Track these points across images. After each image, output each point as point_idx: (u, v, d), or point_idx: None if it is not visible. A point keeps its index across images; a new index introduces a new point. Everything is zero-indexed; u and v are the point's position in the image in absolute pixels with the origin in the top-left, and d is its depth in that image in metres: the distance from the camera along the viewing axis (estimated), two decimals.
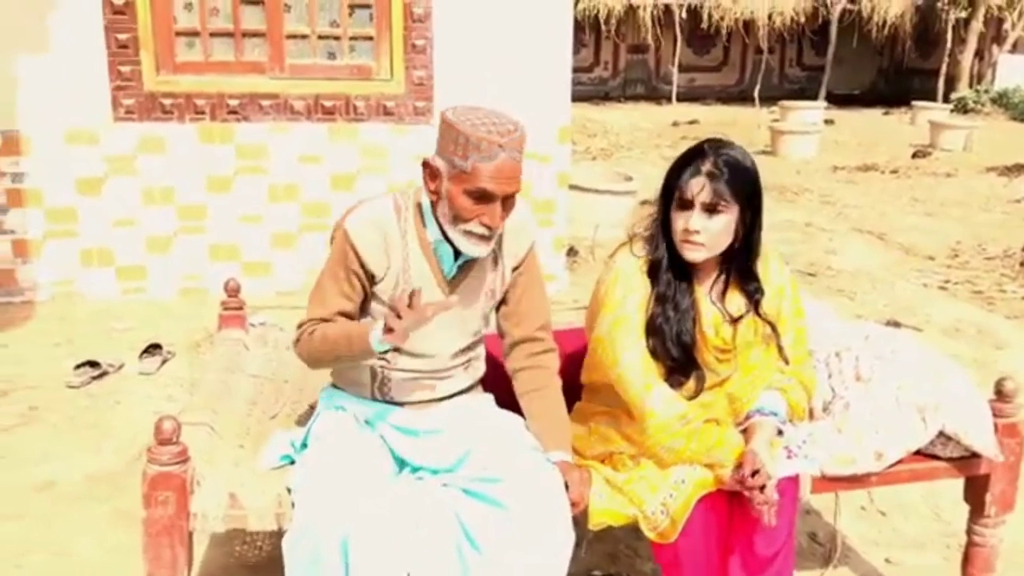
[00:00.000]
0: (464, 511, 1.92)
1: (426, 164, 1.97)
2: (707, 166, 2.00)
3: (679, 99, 18.80)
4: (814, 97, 17.15)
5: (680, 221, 2.04)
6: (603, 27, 18.96)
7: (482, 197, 1.90)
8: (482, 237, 1.95)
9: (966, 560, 2.43)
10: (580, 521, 2.05)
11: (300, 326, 2.06)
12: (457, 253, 2.05)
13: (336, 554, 1.77)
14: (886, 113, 17.32)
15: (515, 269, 2.14)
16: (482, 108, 1.95)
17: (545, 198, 5.45)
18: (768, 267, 2.17)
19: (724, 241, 2.06)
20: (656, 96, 19.96)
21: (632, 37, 19.75)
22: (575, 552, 1.96)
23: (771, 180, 9.65)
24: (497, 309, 2.19)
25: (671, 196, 2.06)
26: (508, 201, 1.95)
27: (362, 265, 2.00)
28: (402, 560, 1.84)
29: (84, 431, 3.52)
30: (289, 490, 1.98)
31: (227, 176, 5.08)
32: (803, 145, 11.63)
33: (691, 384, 2.12)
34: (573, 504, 2.00)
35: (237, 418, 2.35)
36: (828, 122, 14.68)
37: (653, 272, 2.11)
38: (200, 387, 2.50)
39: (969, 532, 2.40)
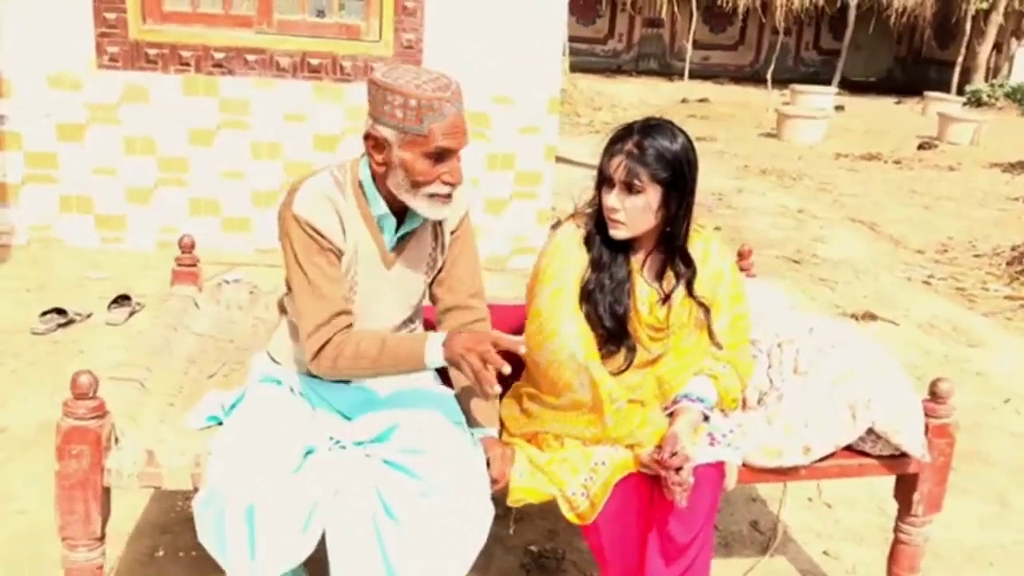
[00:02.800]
0: (383, 482, 1.91)
1: (368, 136, 1.89)
2: (629, 145, 2.02)
3: (692, 76, 18.52)
4: (828, 82, 16.91)
5: (604, 198, 2.06)
6: None
7: (441, 156, 1.87)
8: (446, 196, 1.92)
9: (892, 558, 2.43)
10: (500, 499, 2.05)
11: (313, 335, 1.90)
12: (398, 226, 2.02)
13: (241, 519, 1.77)
14: (898, 102, 17.10)
15: (452, 233, 2.12)
16: (409, 66, 1.92)
17: (531, 170, 5.40)
18: (708, 249, 2.17)
19: (644, 221, 2.06)
20: (669, 72, 19.69)
21: (648, 10, 19.47)
22: (503, 530, 1.96)
23: (771, 164, 9.58)
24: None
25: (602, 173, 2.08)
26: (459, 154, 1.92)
27: (330, 244, 1.93)
28: (313, 529, 1.84)
29: (43, 378, 3.53)
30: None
31: (210, 130, 5.04)
32: (809, 130, 11.49)
33: (621, 356, 2.12)
34: (494, 481, 2.00)
35: (172, 375, 2.34)
36: (839, 108, 14.50)
37: (590, 244, 2.13)
38: (140, 342, 2.49)
39: (896, 530, 2.40)
